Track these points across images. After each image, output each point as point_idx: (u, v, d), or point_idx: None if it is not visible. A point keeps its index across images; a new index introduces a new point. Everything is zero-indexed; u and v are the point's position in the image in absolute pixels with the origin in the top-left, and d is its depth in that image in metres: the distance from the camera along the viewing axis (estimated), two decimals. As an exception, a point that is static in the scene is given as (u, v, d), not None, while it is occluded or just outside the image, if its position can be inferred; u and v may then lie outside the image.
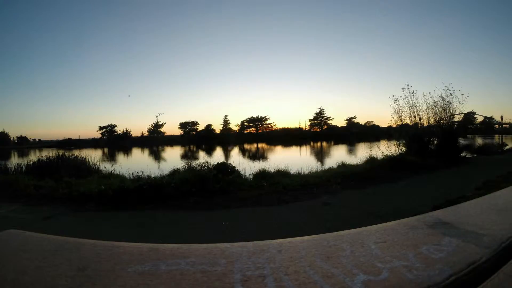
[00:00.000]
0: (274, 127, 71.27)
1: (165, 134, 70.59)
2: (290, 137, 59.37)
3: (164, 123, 71.18)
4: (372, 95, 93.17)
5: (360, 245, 0.71)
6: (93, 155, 11.10)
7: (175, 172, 8.22)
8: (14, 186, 7.10)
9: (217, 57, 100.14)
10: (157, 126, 69.89)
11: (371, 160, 10.08)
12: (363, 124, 70.14)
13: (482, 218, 0.88)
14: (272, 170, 8.62)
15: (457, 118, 12.69)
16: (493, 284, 0.57)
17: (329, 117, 72.41)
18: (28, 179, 7.66)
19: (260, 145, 51.54)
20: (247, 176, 8.20)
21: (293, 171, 8.89)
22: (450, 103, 11.70)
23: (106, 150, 44.60)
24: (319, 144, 49.40)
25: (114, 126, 70.54)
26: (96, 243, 0.74)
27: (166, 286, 0.56)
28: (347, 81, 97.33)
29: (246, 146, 46.87)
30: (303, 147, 41.22)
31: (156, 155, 32.30)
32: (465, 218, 0.90)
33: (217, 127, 72.62)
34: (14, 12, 74.85)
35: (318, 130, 70.89)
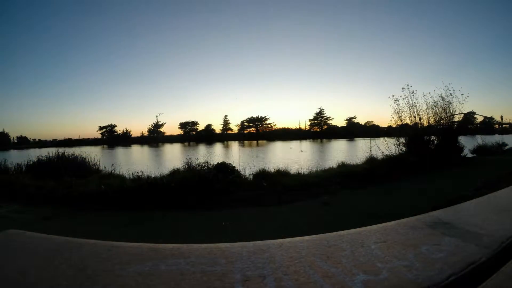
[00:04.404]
0: (274, 127, 71.46)
1: (165, 134, 70.77)
2: (290, 137, 59.70)
3: (164, 123, 71.30)
4: (372, 95, 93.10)
5: (360, 245, 0.71)
6: (93, 154, 11.05)
7: (175, 172, 8.22)
8: (14, 186, 7.10)
9: (217, 57, 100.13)
10: (157, 126, 69.96)
11: (371, 160, 10.07)
12: (363, 124, 70.22)
13: (482, 218, 0.88)
14: (272, 170, 8.62)
15: (457, 118, 12.65)
16: (493, 284, 0.57)
17: (329, 117, 72.57)
18: (28, 179, 7.65)
19: (260, 142, 52.26)
20: (247, 176, 8.20)
21: (293, 171, 8.89)
22: (450, 103, 11.67)
23: (106, 147, 45.25)
24: (318, 140, 50.13)
25: (114, 126, 70.68)
26: (96, 243, 0.74)
27: (166, 286, 0.56)
28: (347, 81, 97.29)
29: (247, 143, 47.56)
30: (302, 142, 41.89)
31: (156, 153, 32.43)
32: (465, 218, 0.90)
33: (217, 127, 72.89)
34: (14, 12, 74.88)
35: (318, 130, 70.96)
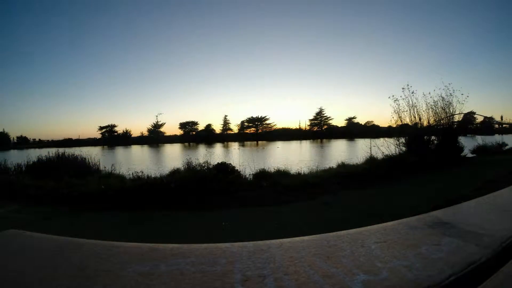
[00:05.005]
0: (274, 127, 71.49)
1: (165, 134, 70.75)
2: (290, 137, 59.78)
3: (164, 123, 71.26)
4: (372, 95, 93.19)
5: (360, 245, 0.71)
6: (93, 154, 11.05)
7: (175, 172, 8.22)
8: (14, 186, 7.10)
9: (217, 57, 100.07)
10: (157, 126, 69.93)
11: (371, 160, 10.07)
12: (363, 124, 70.27)
13: (482, 218, 0.88)
14: (272, 170, 8.62)
15: (457, 118, 12.66)
16: (493, 284, 0.57)
17: (329, 117, 72.62)
18: (28, 179, 7.65)
19: (260, 142, 52.44)
20: (247, 176, 8.20)
21: (293, 171, 8.89)
22: (450, 103, 11.69)
23: (106, 147, 45.43)
24: (318, 140, 50.36)
25: (114, 126, 70.70)
26: (96, 243, 0.74)
27: (166, 286, 0.56)
28: (347, 81, 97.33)
29: (247, 143, 47.77)
30: (303, 142, 42.11)
31: (156, 153, 32.45)
32: (465, 218, 0.90)
33: (217, 127, 72.94)
34: (14, 12, 74.90)
35: (318, 130, 70.98)
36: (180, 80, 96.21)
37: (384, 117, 63.94)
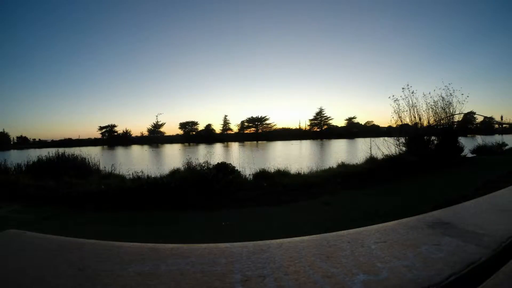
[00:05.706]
0: (274, 127, 71.55)
1: (165, 134, 70.80)
2: (290, 137, 59.83)
3: (164, 123, 71.46)
4: (372, 95, 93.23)
5: (360, 245, 0.71)
6: (93, 154, 11.04)
7: (175, 172, 8.21)
8: (14, 186, 7.10)
9: (217, 57, 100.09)
10: (157, 126, 70.01)
11: (371, 160, 10.07)
12: (363, 124, 70.34)
13: (482, 218, 0.88)
14: (272, 170, 8.62)
15: (457, 118, 12.67)
16: (493, 284, 0.57)
17: (329, 117, 72.69)
18: (28, 179, 7.65)
19: (260, 142, 52.58)
20: (247, 176, 8.20)
21: (293, 171, 8.88)
22: (450, 103, 11.70)
23: (106, 147, 45.53)
24: (319, 140, 50.56)
25: (114, 126, 70.72)
26: (96, 243, 0.74)
27: (166, 286, 0.56)
28: (347, 81, 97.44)
29: (247, 143, 47.88)
30: (303, 142, 42.27)
31: (156, 153, 32.43)
32: (465, 218, 0.90)
33: (217, 127, 73.00)
34: (15, 12, 74.95)
35: (318, 130, 71.02)
36: (180, 80, 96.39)
37: (384, 117, 64.01)
